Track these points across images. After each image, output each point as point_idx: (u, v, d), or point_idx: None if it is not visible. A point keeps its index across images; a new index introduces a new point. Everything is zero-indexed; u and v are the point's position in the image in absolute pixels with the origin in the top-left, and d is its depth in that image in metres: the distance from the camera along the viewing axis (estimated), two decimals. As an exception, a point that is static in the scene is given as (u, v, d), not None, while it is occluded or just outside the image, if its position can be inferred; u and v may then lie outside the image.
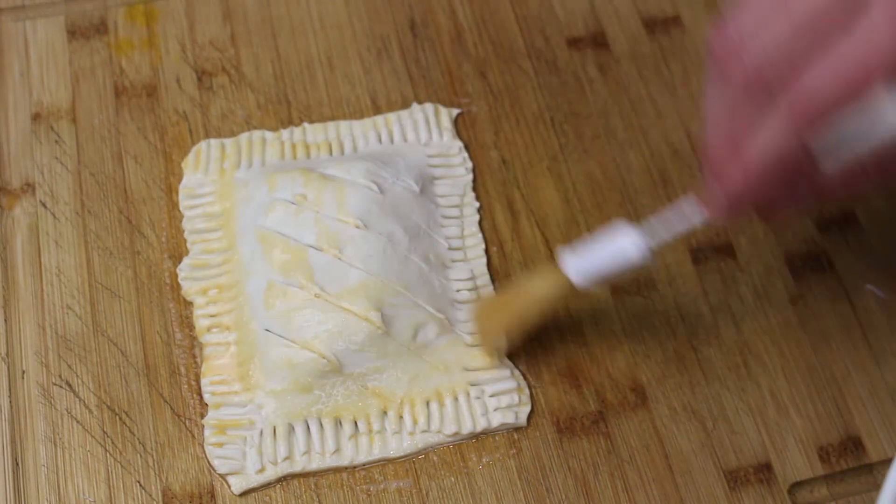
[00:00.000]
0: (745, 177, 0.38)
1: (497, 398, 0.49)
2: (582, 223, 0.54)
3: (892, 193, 0.52)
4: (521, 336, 0.49)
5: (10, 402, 0.49)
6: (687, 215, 0.43)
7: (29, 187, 0.54)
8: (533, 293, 0.47)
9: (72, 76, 0.57)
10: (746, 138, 0.38)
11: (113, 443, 0.48)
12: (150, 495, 0.47)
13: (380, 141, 0.55)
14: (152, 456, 0.48)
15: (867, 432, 0.50)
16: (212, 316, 0.50)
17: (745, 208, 0.41)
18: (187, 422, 0.49)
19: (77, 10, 0.59)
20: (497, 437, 0.49)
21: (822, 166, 0.39)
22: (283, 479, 0.47)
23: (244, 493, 0.47)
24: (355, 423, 0.48)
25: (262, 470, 0.47)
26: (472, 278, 0.52)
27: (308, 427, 0.48)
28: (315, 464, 0.47)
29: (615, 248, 0.44)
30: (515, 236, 0.54)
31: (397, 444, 0.48)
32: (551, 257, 0.53)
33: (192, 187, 0.54)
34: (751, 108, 0.37)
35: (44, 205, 0.53)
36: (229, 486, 0.47)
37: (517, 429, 0.49)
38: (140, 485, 0.47)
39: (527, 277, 0.48)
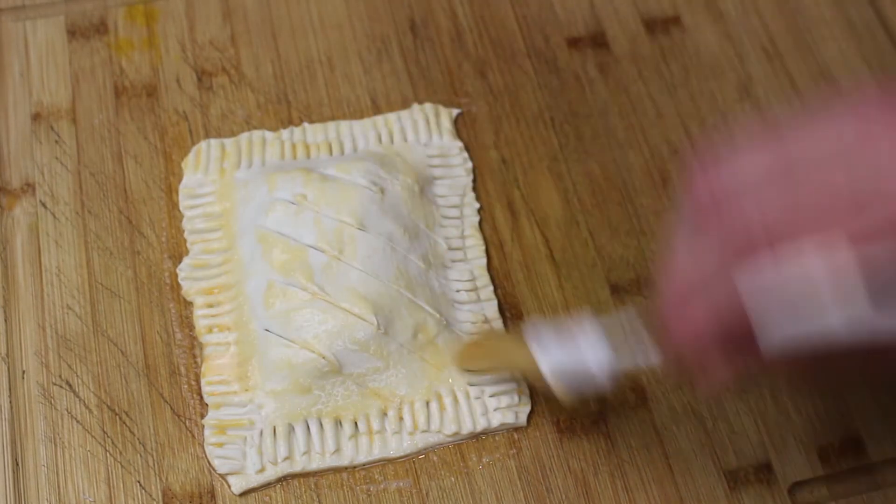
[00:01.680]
0: (692, 331, 0.36)
1: (497, 398, 0.49)
2: (582, 223, 0.54)
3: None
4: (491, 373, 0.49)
5: (11, 401, 0.49)
6: (647, 353, 0.41)
7: (29, 187, 0.54)
8: (511, 362, 0.47)
9: (72, 76, 0.57)
10: (700, 293, 0.35)
11: (113, 443, 0.48)
12: (151, 495, 0.47)
13: (380, 141, 0.55)
14: (152, 456, 0.48)
15: (867, 432, 0.50)
16: (212, 316, 0.50)
17: (686, 364, 0.38)
18: (187, 422, 0.49)
19: (77, 10, 0.59)
20: (497, 437, 0.49)
21: (761, 342, 0.35)
22: (283, 479, 0.47)
23: (244, 493, 0.47)
24: (355, 423, 0.48)
25: (262, 470, 0.47)
26: (472, 279, 0.52)
27: (308, 427, 0.48)
28: (315, 464, 0.47)
29: (581, 362, 0.43)
30: (515, 236, 0.54)
31: (397, 444, 0.48)
32: (551, 257, 0.53)
33: (192, 187, 0.54)
34: (716, 266, 0.35)
35: (44, 205, 0.53)
36: (229, 486, 0.47)
37: (517, 429, 0.49)
38: (140, 485, 0.47)
39: (510, 343, 0.48)
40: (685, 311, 0.36)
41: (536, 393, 0.50)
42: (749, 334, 0.34)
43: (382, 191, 0.51)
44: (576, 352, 0.43)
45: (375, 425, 0.48)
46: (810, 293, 0.32)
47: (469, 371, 0.49)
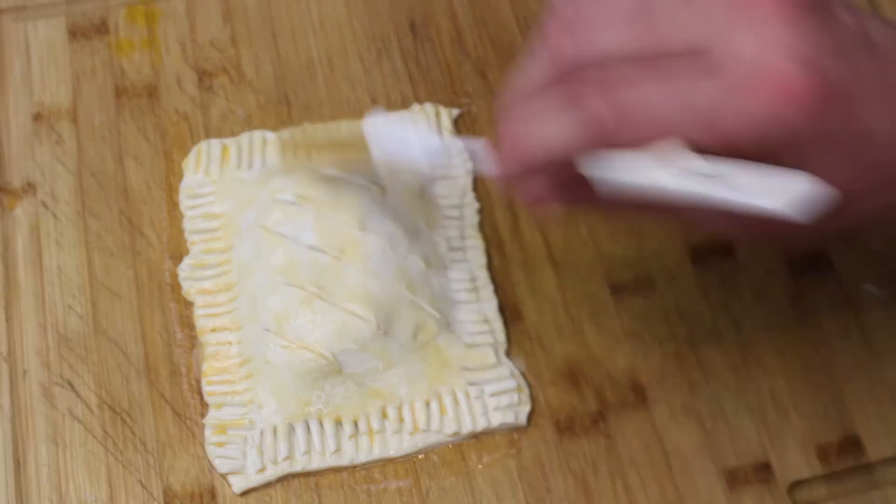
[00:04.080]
0: (520, 153, 0.36)
1: (497, 398, 0.49)
2: (582, 223, 0.54)
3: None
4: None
5: (12, 401, 0.49)
6: (478, 157, 0.42)
7: (30, 187, 0.54)
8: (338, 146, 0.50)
9: (72, 76, 0.57)
10: (537, 118, 0.35)
11: (114, 442, 0.48)
12: (152, 495, 0.47)
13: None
14: (153, 455, 0.48)
15: (866, 432, 0.50)
16: (212, 316, 0.50)
17: (514, 182, 0.39)
18: (188, 421, 0.49)
19: (78, 11, 0.59)
20: (497, 437, 0.49)
21: (593, 183, 0.36)
22: (284, 479, 0.48)
23: (245, 493, 0.47)
24: (355, 423, 0.48)
25: (262, 469, 0.47)
26: (472, 279, 0.52)
27: (308, 427, 0.48)
28: (315, 463, 0.48)
29: (409, 135, 0.45)
30: (515, 236, 0.54)
31: (397, 444, 0.48)
32: (551, 257, 0.53)
33: (192, 187, 0.54)
34: (557, 89, 0.35)
35: (45, 205, 0.53)
36: (230, 486, 0.47)
37: (517, 429, 0.49)
38: (141, 484, 0.47)
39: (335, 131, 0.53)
40: (529, 178, 0.37)
41: (537, 389, 0.50)
42: (582, 189, 0.36)
43: (383, 191, 0.51)
44: (405, 140, 0.45)
45: (375, 425, 0.48)
46: (647, 186, 0.35)
47: (292, 158, 0.51)
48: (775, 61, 0.32)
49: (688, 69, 0.33)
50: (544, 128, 0.35)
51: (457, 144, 0.55)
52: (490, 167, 0.40)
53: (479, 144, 0.42)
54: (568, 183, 0.37)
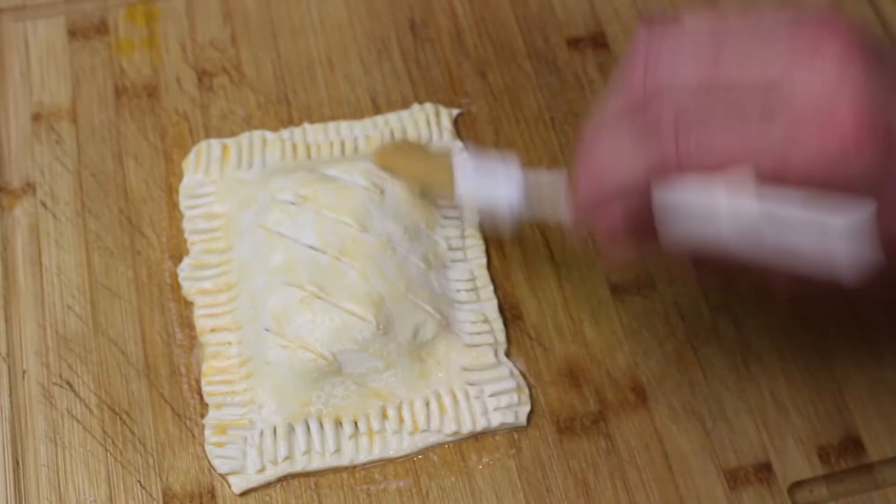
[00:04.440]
0: (607, 226, 0.38)
1: (496, 398, 0.49)
2: (582, 223, 0.54)
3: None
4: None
5: (11, 401, 0.49)
6: (557, 213, 0.44)
7: (29, 187, 0.54)
8: (429, 171, 0.51)
9: (72, 76, 0.57)
10: (618, 193, 0.37)
11: (113, 442, 0.48)
12: (151, 495, 0.47)
13: (381, 141, 0.55)
14: (153, 456, 0.48)
15: (867, 432, 0.50)
16: (212, 316, 0.50)
17: (589, 213, 0.40)
18: (188, 422, 0.49)
19: (77, 11, 0.59)
20: (497, 437, 0.49)
21: (662, 226, 0.38)
22: (284, 479, 0.47)
23: (244, 493, 0.47)
24: (355, 423, 0.48)
25: (262, 469, 0.47)
26: (472, 279, 0.52)
27: (308, 427, 0.48)
28: (315, 463, 0.47)
29: (495, 188, 0.47)
30: (515, 236, 0.54)
31: (397, 444, 0.48)
32: (551, 257, 0.53)
33: (192, 187, 0.54)
34: (633, 119, 0.37)
35: (44, 205, 0.53)
36: (230, 486, 0.47)
37: (517, 429, 0.49)
38: (140, 484, 0.47)
39: (432, 157, 0.52)
40: (603, 207, 0.38)
41: (537, 389, 0.50)
42: (653, 228, 0.38)
43: (382, 191, 0.51)
44: (492, 184, 0.47)
45: (375, 425, 0.48)
46: (713, 219, 0.36)
47: (384, 168, 0.51)
48: (844, 103, 0.33)
49: (758, 106, 0.34)
50: (621, 154, 0.37)
51: (456, 145, 0.56)
52: (566, 221, 0.43)
53: (554, 180, 0.44)
54: (640, 221, 0.38)
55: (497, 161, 0.48)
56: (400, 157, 0.52)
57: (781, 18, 0.36)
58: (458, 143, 0.56)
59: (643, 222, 0.38)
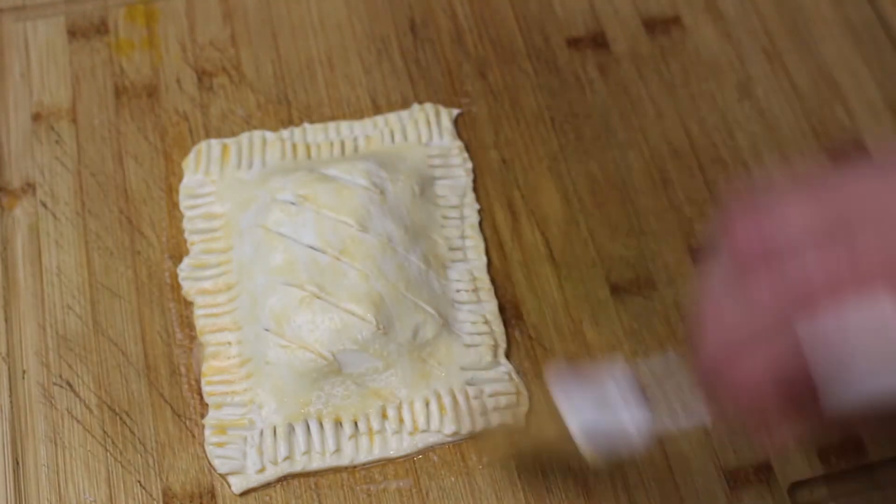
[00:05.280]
0: (750, 382, 0.33)
1: (496, 398, 0.49)
2: (582, 223, 0.54)
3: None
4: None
5: (11, 401, 0.49)
6: (692, 410, 0.37)
7: (29, 187, 0.54)
8: (539, 443, 0.43)
9: (72, 76, 0.57)
10: (757, 344, 0.33)
11: (113, 442, 0.48)
12: (151, 495, 0.47)
13: (381, 141, 0.55)
14: (153, 456, 0.48)
15: (867, 432, 0.50)
16: (212, 316, 0.50)
17: (743, 422, 0.36)
18: (188, 422, 0.49)
19: (77, 11, 0.59)
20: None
21: (825, 399, 0.33)
22: (284, 479, 0.47)
23: (244, 493, 0.47)
24: (355, 423, 0.48)
25: (262, 470, 0.47)
26: (472, 279, 0.52)
27: (308, 427, 0.48)
28: (315, 463, 0.47)
29: (615, 422, 0.39)
30: (515, 236, 0.54)
31: (397, 444, 0.48)
32: (551, 257, 0.53)
33: (192, 187, 0.54)
34: (772, 317, 0.33)
35: (44, 205, 0.53)
36: (230, 486, 0.47)
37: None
38: (140, 484, 0.47)
39: (536, 426, 0.45)
40: (741, 362, 0.34)
41: (537, 390, 0.50)
42: (811, 388, 0.32)
43: (383, 191, 0.51)
44: (608, 411, 0.38)
45: (375, 425, 0.48)
46: (883, 341, 0.30)
47: (497, 458, 0.47)
48: None
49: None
50: (746, 304, 0.33)
51: (456, 144, 0.56)
52: (706, 415, 0.37)
53: (670, 366, 0.38)
54: (790, 378, 0.33)
55: (599, 374, 0.39)
56: (507, 443, 0.47)
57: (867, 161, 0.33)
58: (459, 143, 0.56)
59: (796, 383, 0.33)
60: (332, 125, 0.56)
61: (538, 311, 0.52)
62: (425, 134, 0.56)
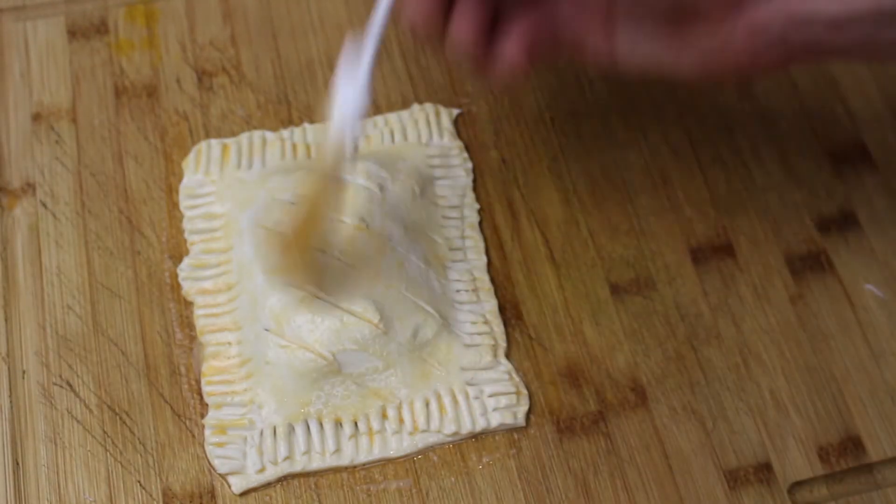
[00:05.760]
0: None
1: (496, 398, 0.49)
2: (582, 223, 0.54)
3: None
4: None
5: (11, 401, 0.49)
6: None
7: (29, 187, 0.54)
8: (312, 212, 0.45)
9: (72, 76, 0.57)
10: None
11: (113, 443, 0.48)
12: (151, 495, 0.47)
13: (381, 141, 0.55)
14: (153, 456, 0.48)
15: (867, 432, 0.50)
16: (212, 316, 0.50)
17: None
18: (188, 422, 0.49)
19: (77, 11, 0.59)
20: (497, 437, 0.49)
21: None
22: (284, 479, 0.47)
23: (244, 493, 0.47)
24: (355, 423, 0.48)
25: (262, 470, 0.47)
26: (472, 279, 0.52)
27: (308, 427, 0.48)
28: (315, 464, 0.47)
29: (343, 109, 0.42)
30: (515, 236, 0.54)
31: (397, 444, 0.48)
32: (551, 257, 0.53)
33: (192, 187, 0.54)
34: None
35: (44, 205, 0.53)
36: (230, 486, 0.47)
37: (517, 429, 0.49)
38: (140, 484, 0.47)
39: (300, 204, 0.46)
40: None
41: (537, 389, 0.50)
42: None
43: (383, 191, 0.51)
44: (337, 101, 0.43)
45: (375, 425, 0.48)
46: None
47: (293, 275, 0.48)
48: None
49: None
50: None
51: (456, 144, 0.56)
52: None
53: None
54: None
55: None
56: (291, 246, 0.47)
57: None
58: (459, 143, 0.56)
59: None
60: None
61: (538, 311, 0.52)
62: (425, 134, 0.56)
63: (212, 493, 0.47)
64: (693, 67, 0.41)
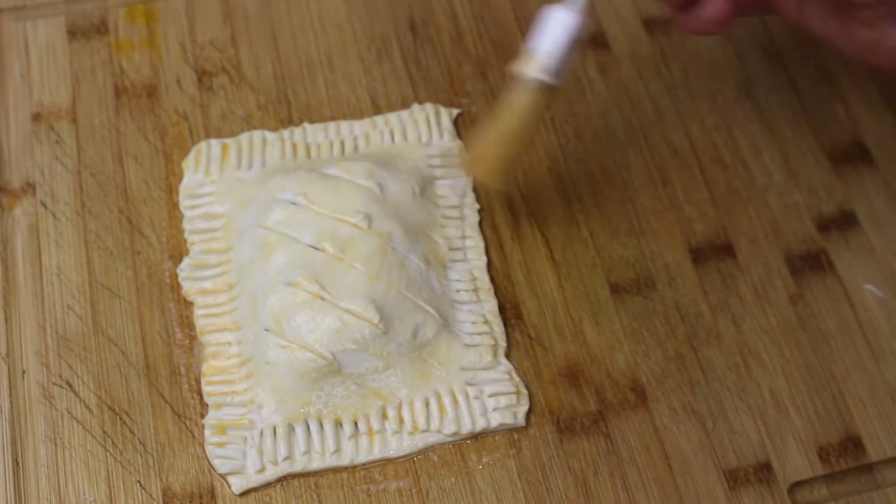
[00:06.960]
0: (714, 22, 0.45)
1: (496, 398, 0.49)
2: (582, 223, 0.54)
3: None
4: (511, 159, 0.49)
5: (11, 401, 0.49)
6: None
7: (29, 187, 0.54)
8: (513, 119, 0.48)
9: (72, 76, 0.57)
10: None
11: (113, 442, 0.48)
12: (151, 495, 0.47)
13: (381, 141, 0.55)
14: (153, 456, 0.48)
15: (867, 432, 0.50)
16: (212, 316, 0.50)
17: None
18: (188, 422, 0.49)
19: (77, 11, 0.59)
20: (497, 437, 0.49)
21: None
22: (284, 479, 0.47)
23: (244, 493, 0.47)
24: (355, 423, 0.48)
25: (262, 470, 0.47)
26: (472, 279, 0.52)
27: (308, 427, 0.48)
28: (315, 464, 0.47)
29: (554, 26, 0.47)
30: (515, 236, 0.54)
31: (397, 444, 0.48)
32: (551, 257, 0.53)
33: (192, 187, 0.54)
34: None
35: (44, 205, 0.53)
36: (229, 486, 0.47)
37: (517, 429, 0.49)
38: (140, 484, 0.47)
39: (499, 112, 0.48)
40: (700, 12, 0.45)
41: (537, 389, 0.50)
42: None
43: (383, 191, 0.51)
44: (546, 28, 0.47)
45: (375, 425, 0.48)
46: None
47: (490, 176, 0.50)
48: None
49: None
50: None
51: (457, 144, 0.56)
52: None
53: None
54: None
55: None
56: (488, 149, 0.49)
57: None
58: (459, 143, 0.56)
59: None
60: (332, 125, 0.56)
61: (538, 311, 0.52)
62: (425, 134, 0.56)
63: (212, 493, 0.47)
64: (854, 52, 0.46)
